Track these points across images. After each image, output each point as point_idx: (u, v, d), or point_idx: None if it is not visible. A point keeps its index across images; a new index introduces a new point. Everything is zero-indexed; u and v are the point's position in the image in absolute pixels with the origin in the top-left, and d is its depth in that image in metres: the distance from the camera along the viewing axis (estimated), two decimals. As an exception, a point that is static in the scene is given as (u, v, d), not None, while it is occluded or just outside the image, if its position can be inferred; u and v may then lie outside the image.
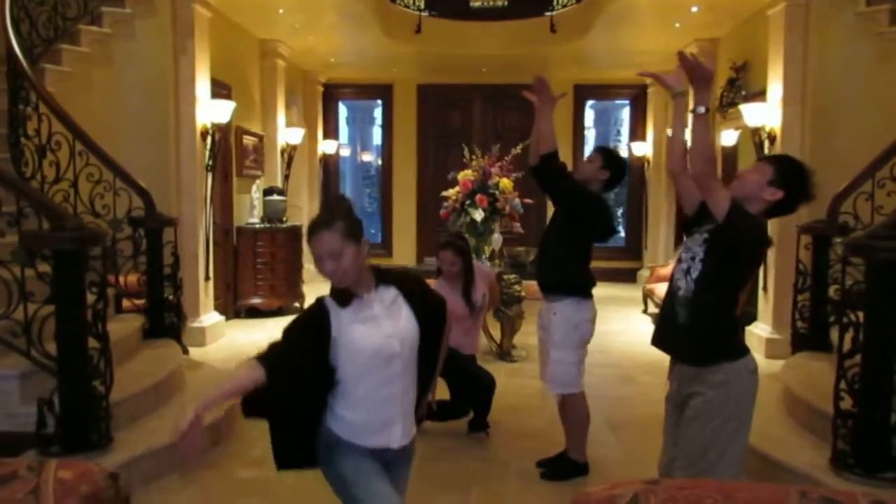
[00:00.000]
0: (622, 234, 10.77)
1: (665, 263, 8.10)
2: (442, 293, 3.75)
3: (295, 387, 1.92)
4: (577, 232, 3.37)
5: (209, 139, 6.06)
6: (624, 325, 7.23)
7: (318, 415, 2.00)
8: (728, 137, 7.34)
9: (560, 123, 3.29)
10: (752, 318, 5.96)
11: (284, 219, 7.78)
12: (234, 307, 7.25)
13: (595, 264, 3.52)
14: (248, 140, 7.75)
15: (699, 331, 2.24)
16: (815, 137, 5.42)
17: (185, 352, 4.96)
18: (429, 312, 2.07)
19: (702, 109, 2.15)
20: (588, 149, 11.54)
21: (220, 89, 6.67)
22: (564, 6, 7.89)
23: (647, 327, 7.36)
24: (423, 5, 7.98)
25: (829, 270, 4.47)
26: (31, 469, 1.16)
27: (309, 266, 9.04)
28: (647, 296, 7.81)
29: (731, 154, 7.44)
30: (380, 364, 1.94)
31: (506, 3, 8.34)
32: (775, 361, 4.73)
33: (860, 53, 5.32)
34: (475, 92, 10.39)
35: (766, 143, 5.79)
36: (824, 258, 4.49)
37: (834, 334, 4.27)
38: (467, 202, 5.82)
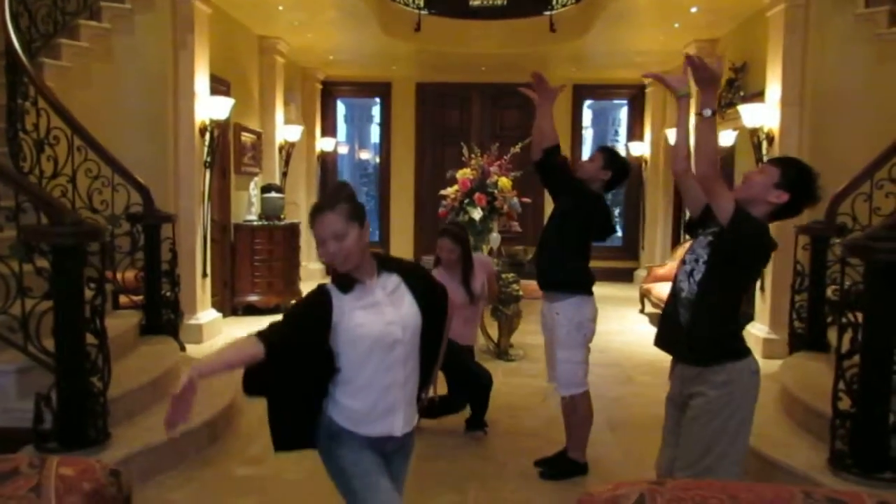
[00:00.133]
0: (619, 233, 10.79)
1: (662, 263, 8.11)
2: (441, 282, 3.77)
3: (294, 367, 1.92)
4: (576, 230, 3.37)
5: (208, 135, 6.04)
6: (621, 324, 7.25)
7: (317, 399, 2.00)
8: (726, 138, 7.35)
9: (557, 123, 3.29)
10: (750, 318, 5.97)
11: (282, 216, 7.77)
12: (231, 304, 7.24)
13: (592, 264, 3.52)
14: (247, 137, 7.73)
15: (701, 332, 2.23)
16: (814, 138, 5.42)
17: (182, 349, 4.95)
18: (431, 300, 2.07)
19: (708, 112, 2.15)
20: (586, 148, 11.56)
21: (218, 85, 6.66)
22: (564, 5, 7.90)
23: (644, 327, 7.37)
24: (422, 3, 7.99)
25: (826, 271, 4.48)
26: (32, 466, 1.16)
27: (306, 264, 9.05)
28: (644, 295, 7.82)
29: (728, 155, 7.45)
30: (382, 350, 1.94)
31: (505, 2, 8.36)
32: (772, 361, 4.74)
33: (859, 55, 5.32)
34: (474, 90, 10.39)
35: (765, 144, 5.80)
36: (822, 259, 4.50)
37: (832, 335, 4.29)
38: (466, 201, 5.82)
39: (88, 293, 3.15)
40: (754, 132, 5.86)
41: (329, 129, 10.69)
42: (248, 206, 7.72)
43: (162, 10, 5.68)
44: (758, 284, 5.87)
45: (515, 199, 5.90)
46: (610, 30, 7.71)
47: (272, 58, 8.33)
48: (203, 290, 6.14)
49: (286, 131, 8.59)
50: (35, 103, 4.27)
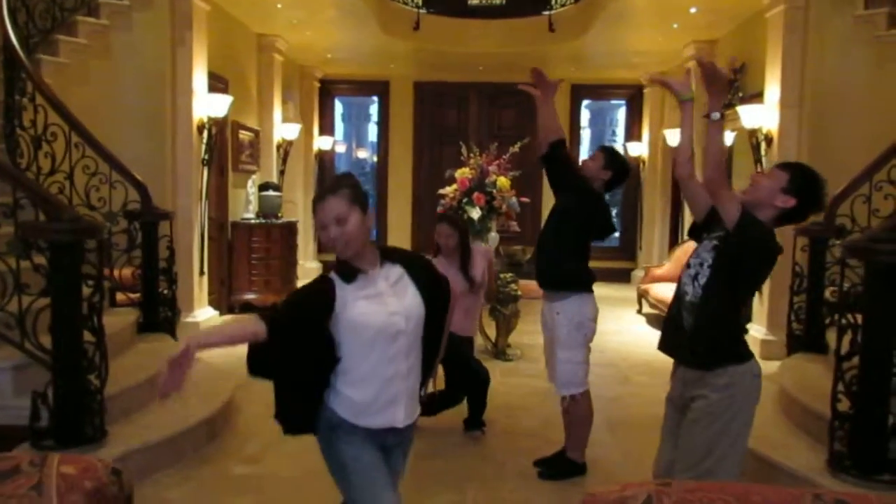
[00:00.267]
0: (617, 234, 10.80)
1: (660, 264, 8.12)
2: (441, 269, 3.75)
3: (295, 351, 1.92)
4: (576, 229, 3.36)
5: (206, 133, 6.03)
6: (619, 325, 7.25)
7: (320, 386, 1.99)
8: (727, 139, 7.35)
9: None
10: (747, 319, 5.98)
11: (280, 214, 7.75)
12: (228, 302, 7.22)
13: (589, 264, 3.51)
14: (244, 135, 7.71)
15: (705, 336, 2.23)
16: (812, 140, 5.43)
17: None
18: (433, 292, 2.06)
19: (716, 115, 2.14)
20: (583, 148, 11.57)
21: (216, 83, 6.64)
22: (563, 5, 7.90)
23: (641, 328, 7.38)
24: (421, 2, 7.98)
25: (825, 273, 4.48)
26: (33, 464, 1.14)
27: (304, 263, 9.04)
28: (642, 296, 7.83)
29: (726, 156, 7.46)
30: (385, 341, 1.93)
31: (504, 1, 8.35)
32: (770, 363, 4.73)
33: (858, 56, 5.33)
34: (472, 90, 10.38)
35: (763, 145, 5.81)
36: (821, 260, 4.51)
37: (830, 336, 4.30)
38: (464, 200, 5.81)
39: (86, 290, 3.13)
40: (753, 133, 5.87)
41: (327, 128, 10.67)
42: (245, 204, 7.70)
43: (160, 7, 5.66)
44: (756, 286, 5.88)
45: (514, 199, 5.89)
46: (609, 30, 7.70)
47: (270, 56, 8.31)
48: (200, 287, 6.13)
49: (284, 129, 8.57)
50: (32, 99, 4.25)
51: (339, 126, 11.81)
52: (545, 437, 3.95)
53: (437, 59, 9.36)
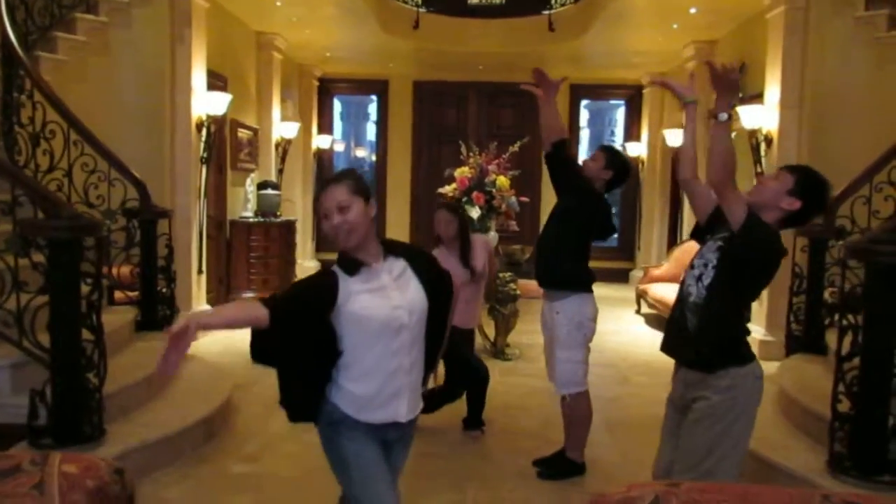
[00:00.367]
0: (615, 234, 10.81)
1: (659, 264, 8.12)
2: (441, 259, 3.74)
3: (296, 340, 1.91)
4: (577, 229, 3.36)
5: (204, 131, 6.01)
6: (617, 325, 7.25)
7: (322, 377, 1.98)
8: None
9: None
10: (747, 319, 5.98)
11: (278, 213, 7.74)
12: (226, 301, 7.20)
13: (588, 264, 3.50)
14: (243, 133, 7.70)
15: (708, 337, 2.22)
16: (813, 141, 5.43)
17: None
18: (436, 286, 2.06)
19: (724, 116, 2.13)
20: (582, 148, 11.57)
21: (215, 81, 6.62)
22: (563, 5, 7.89)
23: (640, 328, 7.38)
24: (420, 1, 7.96)
25: (825, 273, 4.48)
26: (34, 463, 1.13)
27: (302, 262, 9.02)
28: (641, 296, 7.83)
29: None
30: (388, 335, 1.93)
31: (504, 0, 8.33)
32: (768, 363, 4.71)
33: (858, 58, 5.33)
34: (471, 89, 10.37)
35: (763, 146, 5.81)
36: (820, 261, 4.51)
37: (829, 337, 4.31)
38: (464, 199, 5.80)
39: (85, 288, 3.11)
40: (752, 134, 5.87)
41: (325, 127, 10.65)
42: (244, 203, 7.69)
43: (159, 5, 5.65)
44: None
45: (513, 198, 5.89)
46: (609, 30, 7.70)
47: (269, 54, 8.29)
48: (199, 286, 6.11)
49: (283, 128, 8.56)
50: (31, 97, 4.23)
51: (337, 125, 11.78)
52: (544, 437, 3.95)
53: (437, 59, 9.35)
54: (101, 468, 1.18)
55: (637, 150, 10.15)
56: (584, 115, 11.69)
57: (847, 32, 5.37)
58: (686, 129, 2.40)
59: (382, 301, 1.93)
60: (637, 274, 9.62)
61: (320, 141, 10.25)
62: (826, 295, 4.50)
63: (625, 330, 7.15)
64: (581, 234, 3.39)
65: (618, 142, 11.41)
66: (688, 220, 8.32)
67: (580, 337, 3.38)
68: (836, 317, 3.34)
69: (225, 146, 7.23)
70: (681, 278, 2.38)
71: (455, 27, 8.22)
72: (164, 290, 4.82)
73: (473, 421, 4.08)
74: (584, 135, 12.01)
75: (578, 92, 10.44)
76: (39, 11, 4.95)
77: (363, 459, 1.96)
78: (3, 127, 4.28)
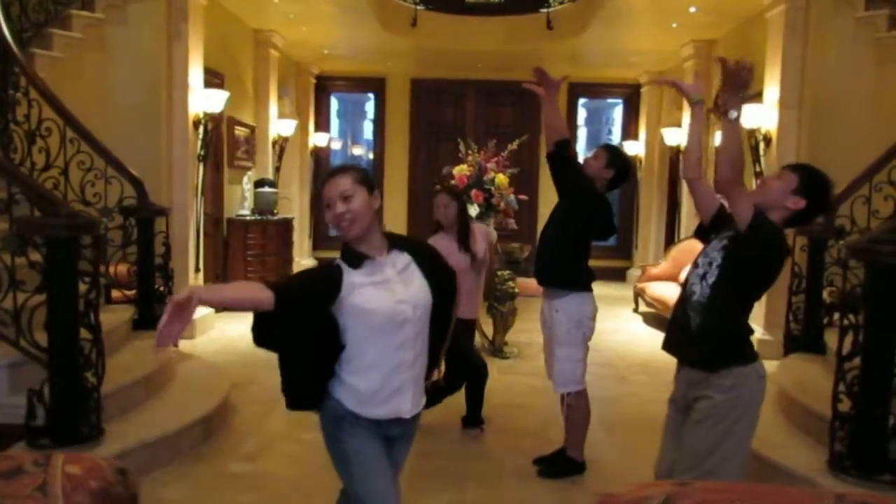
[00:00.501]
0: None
1: (656, 263, 8.11)
2: (441, 245, 3.71)
3: (299, 329, 1.89)
4: (577, 228, 3.35)
5: (202, 129, 5.98)
6: (615, 324, 7.25)
7: (324, 369, 1.96)
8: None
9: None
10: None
11: (275, 211, 7.71)
12: (223, 299, 7.17)
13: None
14: (240, 131, 7.67)
15: (712, 337, 2.21)
16: (811, 140, 5.44)
17: (175, 344, 4.88)
18: (441, 281, 2.04)
19: (734, 114, 2.12)
20: (580, 147, 11.57)
21: (212, 78, 6.59)
22: (561, 3, 7.88)
23: (638, 326, 7.38)
24: (419, -1, 7.94)
25: (824, 273, 4.48)
26: (37, 464, 1.11)
27: (299, 259, 8.99)
28: (639, 295, 7.82)
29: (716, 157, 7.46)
30: (392, 329, 1.92)
31: (502, -2, 8.32)
32: (767, 363, 4.69)
33: (858, 57, 5.33)
34: (469, 87, 10.35)
35: (762, 146, 5.81)
36: (820, 260, 4.51)
37: (828, 336, 4.31)
38: (463, 197, 5.78)
39: (82, 287, 3.09)
40: (752, 133, 5.87)
41: (322, 124, 10.62)
42: (241, 201, 7.66)
43: (156, 1, 5.61)
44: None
45: (512, 196, 5.87)
46: (607, 28, 7.69)
47: (267, 51, 8.27)
48: (196, 284, 6.08)
49: (280, 126, 8.53)
50: (26, 94, 4.20)
51: (334, 123, 11.75)
52: (544, 436, 3.95)
53: (435, 56, 9.34)
54: (105, 469, 1.16)
55: (635, 148, 10.14)
56: (581, 114, 11.66)
57: (847, 32, 5.37)
58: (692, 128, 2.39)
59: (386, 294, 1.92)
60: (634, 273, 9.62)
61: (317, 139, 10.22)
62: (825, 295, 4.50)
63: (623, 329, 7.15)
64: (581, 234, 3.39)
65: (615, 141, 11.40)
66: (685, 219, 8.33)
67: (579, 335, 3.37)
68: (837, 317, 3.34)
69: (222, 144, 7.20)
70: (681, 277, 2.37)
71: (453, 25, 8.20)
72: (161, 288, 4.79)
73: (473, 419, 4.07)
74: (582, 133, 12.00)
75: (576, 90, 10.43)
76: (34, 8, 4.92)
77: (365, 456, 1.95)
78: (-1, 124, 4.25)
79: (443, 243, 3.80)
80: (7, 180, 3.26)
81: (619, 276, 10.13)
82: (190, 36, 5.77)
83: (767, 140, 5.75)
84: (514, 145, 5.93)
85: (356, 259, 1.93)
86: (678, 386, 2.36)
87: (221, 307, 1.90)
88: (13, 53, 4.13)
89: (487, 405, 4.13)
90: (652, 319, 7.47)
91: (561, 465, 3.48)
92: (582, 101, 11.20)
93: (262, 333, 1.90)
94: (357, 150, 13.28)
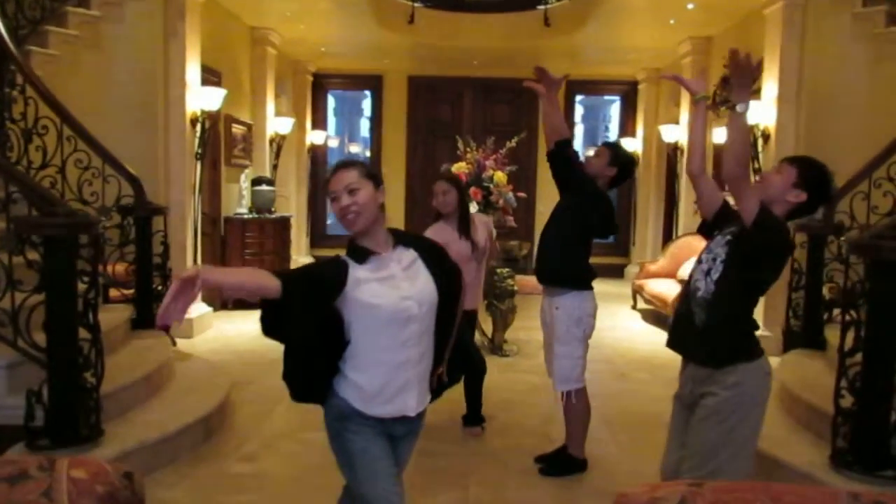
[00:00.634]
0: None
1: (654, 260, 8.11)
2: (441, 234, 3.69)
3: (304, 319, 1.87)
4: (578, 226, 3.35)
5: (199, 126, 5.95)
6: (613, 321, 7.24)
7: (328, 363, 1.95)
8: (721, 135, 7.36)
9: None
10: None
11: (273, 209, 7.68)
12: (221, 298, 7.13)
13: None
14: (237, 129, 7.64)
15: (717, 333, 2.20)
16: (809, 136, 5.44)
17: (173, 343, 4.87)
18: (446, 278, 2.03)
19: (742, 107, 2.09)
20: (576, 144, 11.54)
21: (209, 76, 6.56)
22: (559, 0, 7.85)
23: (636, 323, 7.38)
24: (416, -5, 7.90)
25: (824, 269, 4.48)
26: (42, 468, 1.10)
27: (297, 258, 8.96)
28: (637, 292, 7.83)
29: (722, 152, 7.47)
30: (396, 325, 1.90)
31: (499, -5, 8.29)
32: (767, 359, 4.75)
33: (856, 53, 5.34)
34: (466, 85, 10.33)
35: (760, 142, 5.80)
36: (819, 257, 4.51)
37: (828, 332, 4.31)
38: (461, 195, 5.76)
39: (81, 286, 3.07)
40: (750, 130, 5.86)
41: (319, 122, 10.59)
42: (238, 199, 7.63)
43: (153, -1, 5.58)
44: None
45: (510, 194, 5.86)
46: (605, 25, 7.68)
47: (263, 49, 8.23)
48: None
49: (277, 123, 8.49)
50: (23, 91, 4.16)
51: (331, 120, 11.71)
52: (545, 434, 3.95)
53: (432, 54, 9.31)
54: (111, 473, 1.15)
55: (632, 145, 10.12)
56: (578, 111, 11.65)
57: (845, 28, 5.37)
58: (695, 124, 2.38)
59: (391, 291, 1.91)
60: (632, 270, 9.62)
61: (314, 137, 10.19)
62: (825, 291, 4.51)
63: (621, 326, 7.15)
64: (582, 233, 3.38)
65: (612, 138, 11.39)
66: (683, 216, 8.33)
67: (579, 333, 3.37)
68: (837, 313, 3.33)
69: (219, 142, 7.17)
70: (679, 274, 2.37)
71: (450, 22, 8.17)
72: (159, 287, 4.77)
73: (473, 417, 4.06)
74: (579, 130, 11.98)
75: (573, 87, 10.42)
76: (30, 5, 4.88)
77: (370, 456, 1.94)
78: (-5, 123, 4.21)
79: (443, 231, 3.78)
80: (4, 179, 3.23)
81: (616, 273, 10.13)
82: (187, 33, 5.73)
83: (766, 136, 5.74)
84: (512, 143, 5.92)
85: (361, 255, 1.93)
86: (683, 383, 2.35)
87: (227, 291, 1.87)
88: (9, 51, 4.09)
89: (488, 403, 4.12)
90: (650, 316, 7.47)
91: (563, 463, 3.48)
92: (579, 97, 11.19)
93: (271, 323, 1.88)
94: (354, 148, 13.24)
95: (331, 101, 11.40)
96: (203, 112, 5.97)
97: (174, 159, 5.76)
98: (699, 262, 2.28)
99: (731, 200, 2.29)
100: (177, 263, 5.38)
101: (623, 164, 3.35)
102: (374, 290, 1.89)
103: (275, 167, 8.52)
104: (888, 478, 2.85)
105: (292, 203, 9.16)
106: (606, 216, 3.41)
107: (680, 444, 2.32)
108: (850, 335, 3.00)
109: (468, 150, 5.96)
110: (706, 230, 2.39)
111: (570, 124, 10.71)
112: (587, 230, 3.39)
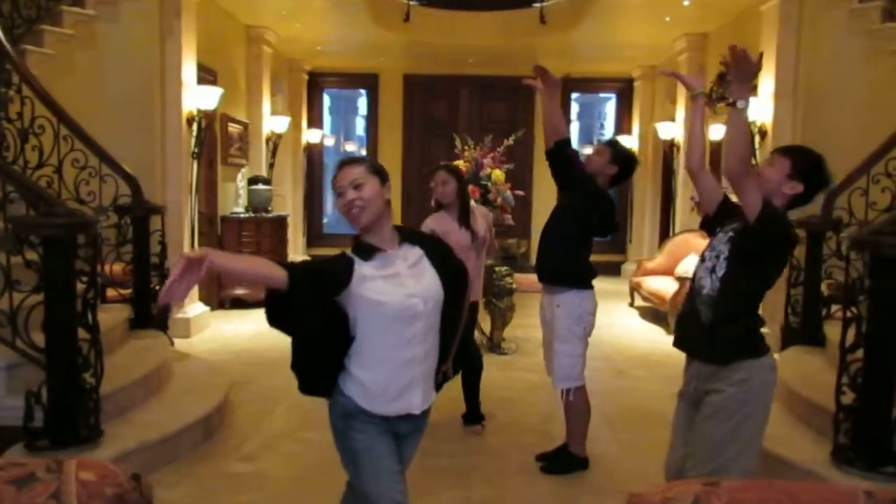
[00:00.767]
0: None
1: (652, 257, 8.12)
2: (441, 223, 3.68)
3: (310, 312, 1.86)
4: (579, 224, 3.34)
5: (195, 126, 5.93)
6: (611, 318, 7.24)
7: (333, 358, 1.94)
8: (718, 132, 7.36)
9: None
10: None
11: (269, 208, 7.66)
12: (218, 298, 7.13)
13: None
14: (234, 128, 7.61)
15: (723, 330, 2.19)
16: (806, 132, 5.44)
17: (171, 343, 4.85)
18: (452, 276, 2.02)
19: (743, 103, 2.08)
20: (573, 142, 11.54)
21: (205, 75, 6.53)
22: (555, -3, 7.84)
23: (634, 321, 7.39)
24: (411, -7, 7.88)
25: (822, 265, 4.49)
26: (49, 470, 1.09)
27: (294, 257, 8.95)
28: (634, 289, 7.84)
29: (719, 149, 7.47)
30: (402, 322, 1.90)
31: (495, -8, 8.27)
32: (766, 356, 4.75)
33: (852, 49, 5.35)
34: (462, 83, 10.32)
35: (757, 138, 5.81)
36: (818, 253, 4.51)
37: (828, 329, 4.32)
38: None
39: (80, 286, 3.05)
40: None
41: (315, 121, 10.57)
42: (235, 198, 7.61)
43: (148, -3, 5.55)
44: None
45: (509, 192, 5.86)
46: (600, 22, 7.68)
47: (259, 48, 8.20)
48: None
49: (273, 122, 8.47)
50: (19, 91, 4.13)
51: (326, 119, 11.67)
52: (544, 432, 3.95)
53: (428, 52, 9.29)
54: (119, 475, 1.14)
55: (628, 143, 10.12)
56: (574, 108, 11.64)
57: (841, 24, 5.38)
58: (694, 120, 2.37)
59: (396, 288, 1.90)
60: (629, 267, 9.64)
61: (310, 135, 10.17)
62: (823, 287, 4.51)
63: (619, 323, 7.16)
64: (582, 230, 3.37)
65: (607, 135, 11.39)
66: (680, 213, 8.34)
67: (579, 330, 3.36)
68: (838, 308, 3.33)
69: (215, 141, 7.14)
70: (676, 271, 2.36)
71: (446, 20, 8.16)
72: (157, 287, 4.74)
73: (473, 416, 4.05)
74: (575, 128, 11.97)
75: (569, 85, 10.39)
76: (26, 3, 4.86)
77: (374, 454, 1.94)
78: (-9, 122, 4.18)
79: (443, 220, 3.77)
80: (2, 179, 3.21)
81: (613, 270, 10.13)
82: (182, 32, 5.71)
83: (763, 132, 5.76)
84: (510, 141, 5.91)
85: (367, 251, 1.91)
86: (688, 380, 2.34)
87: (233, 276, 1.85)
88: (6, 50, 4.06)
89: (487, 401, 4.12)
90: (648, 314, 7.48)
91: (564, 461, 3.48)
92: (575, 95, 11.20)
93: (276, 313, 1.86)
94: (350, 147, 13.20)
95: (326, 100, 11.37)
96: (199, 111, 5.95)
97: (171, 159, 5.73)
98: (702, 260, 2.28)
99: (731, 195, 2.29)
100: (173, 263, 5.35)
101: (624, 162, 3.35)
102: (380, 288, 1.88)
103: (271, 166, 8.50)
104: (890, 474, 2.85)
105: (289, 202, 9.14)
106: (607, 215, 3.40)
107: (684, 442, 2.32)
108: (851, 331, 3.00)
109: (466, 148, 5.95)
110: (708, 227, 2.38)
111: (566, 122, 10.72)
112: (588, 229, 3.39)
